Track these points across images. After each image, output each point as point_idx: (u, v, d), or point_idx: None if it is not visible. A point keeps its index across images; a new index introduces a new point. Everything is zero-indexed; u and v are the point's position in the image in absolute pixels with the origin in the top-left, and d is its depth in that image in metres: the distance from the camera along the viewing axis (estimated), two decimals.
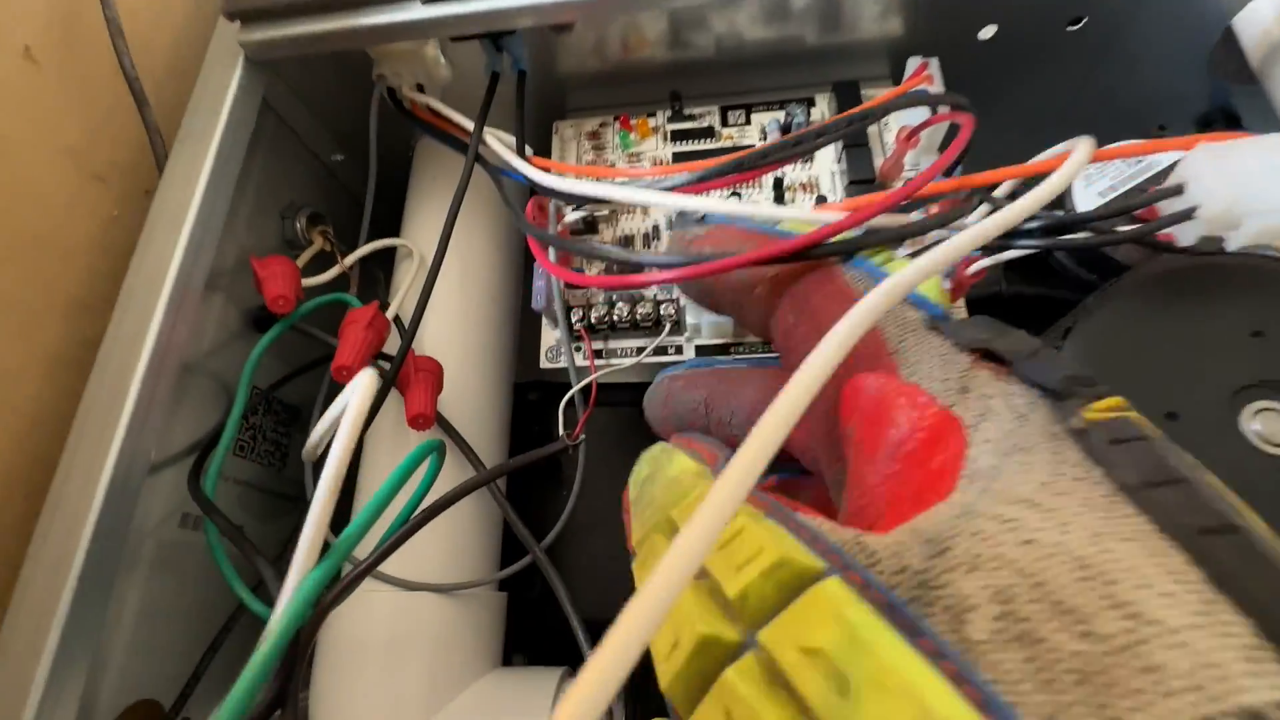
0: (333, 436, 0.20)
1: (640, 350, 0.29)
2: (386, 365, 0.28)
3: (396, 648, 0.26)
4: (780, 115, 0.32)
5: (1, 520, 0.24)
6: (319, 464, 0.29)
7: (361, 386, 0.17)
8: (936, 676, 0.08)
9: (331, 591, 0.18)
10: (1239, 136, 0.18)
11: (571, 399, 0.27)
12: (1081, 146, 0.19)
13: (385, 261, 0.36)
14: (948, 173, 0.22)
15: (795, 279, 0.17)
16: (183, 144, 0.27)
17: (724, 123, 0.33)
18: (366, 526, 0.16)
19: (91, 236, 0.27)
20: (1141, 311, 0.17)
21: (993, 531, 0.09)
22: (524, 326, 0.38)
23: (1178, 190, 0.17)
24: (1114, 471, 0.10)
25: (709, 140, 0.32)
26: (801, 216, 0.20)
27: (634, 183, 0.24)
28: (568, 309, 0.29)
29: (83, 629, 0.21)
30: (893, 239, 0.18)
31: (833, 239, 0.18)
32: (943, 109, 0.26)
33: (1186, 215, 0.17)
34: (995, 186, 0.22)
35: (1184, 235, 0.18)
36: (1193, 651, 0.08)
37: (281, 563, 0.28)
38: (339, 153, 0.38)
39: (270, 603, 0.23)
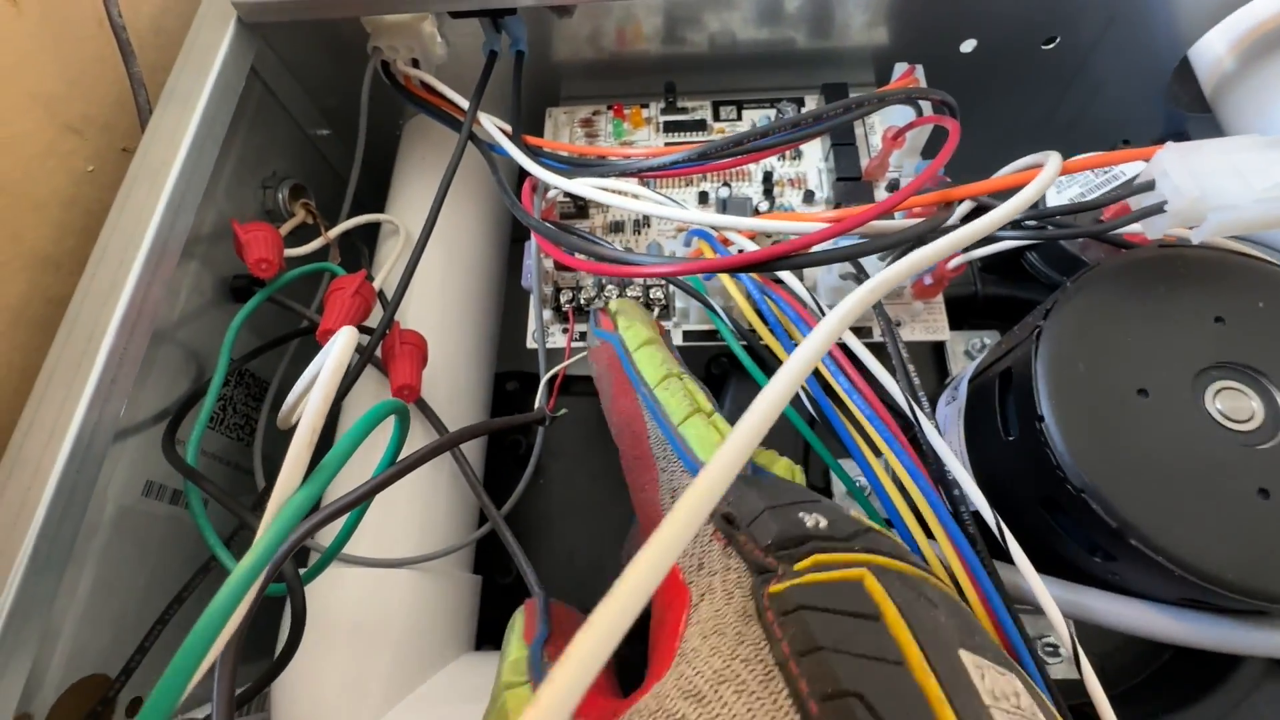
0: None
1: None
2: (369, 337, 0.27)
3: (364, 627, 0.25)
4: (771, 113, 0.33)
5: None
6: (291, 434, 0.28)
7: (341, 339, 0.16)
8: None
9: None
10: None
11: (550, 373, 0.26)
12: (1052, 161, 0.20)
13: (369, 239, 0.35)
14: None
15: (631, 456, 0.20)
16: (168, 101, 0.26)
17: (716, 117, 0.33)
18: (336, 468, 0.15)
19: (63, 190, 0.26)
20: (1115, 296, 0.18)
21: None
22: (505, 316, 0.38)
23: (1149, 186, 0.18)
24: (773, 648, 0.12)
25: (701, 133, 0.33)
26: (783, 228, 0.21)
27: (627, 164, 0.24)
28: (556, 289, 0.29)
29: (35, 600, 0.20)
30: (877, 249, 0.19)
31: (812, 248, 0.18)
32: (929, 112, 0.27)
33: (1156, 209, 0.18)
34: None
35: (1152, 229, 0.19)
36: None
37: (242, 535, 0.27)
38: (324, 128, 0.37)
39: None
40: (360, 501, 0.17)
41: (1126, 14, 0.31)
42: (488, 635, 0.31)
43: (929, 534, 0.16)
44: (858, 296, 0.13)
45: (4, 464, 0.20)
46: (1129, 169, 0.29)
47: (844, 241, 0.19)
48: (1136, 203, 0.19)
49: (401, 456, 0.19)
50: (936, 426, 0.17)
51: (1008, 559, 0.17)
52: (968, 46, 0.33)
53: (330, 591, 0.25)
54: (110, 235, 0.23)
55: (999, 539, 0.16)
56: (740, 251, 0.22)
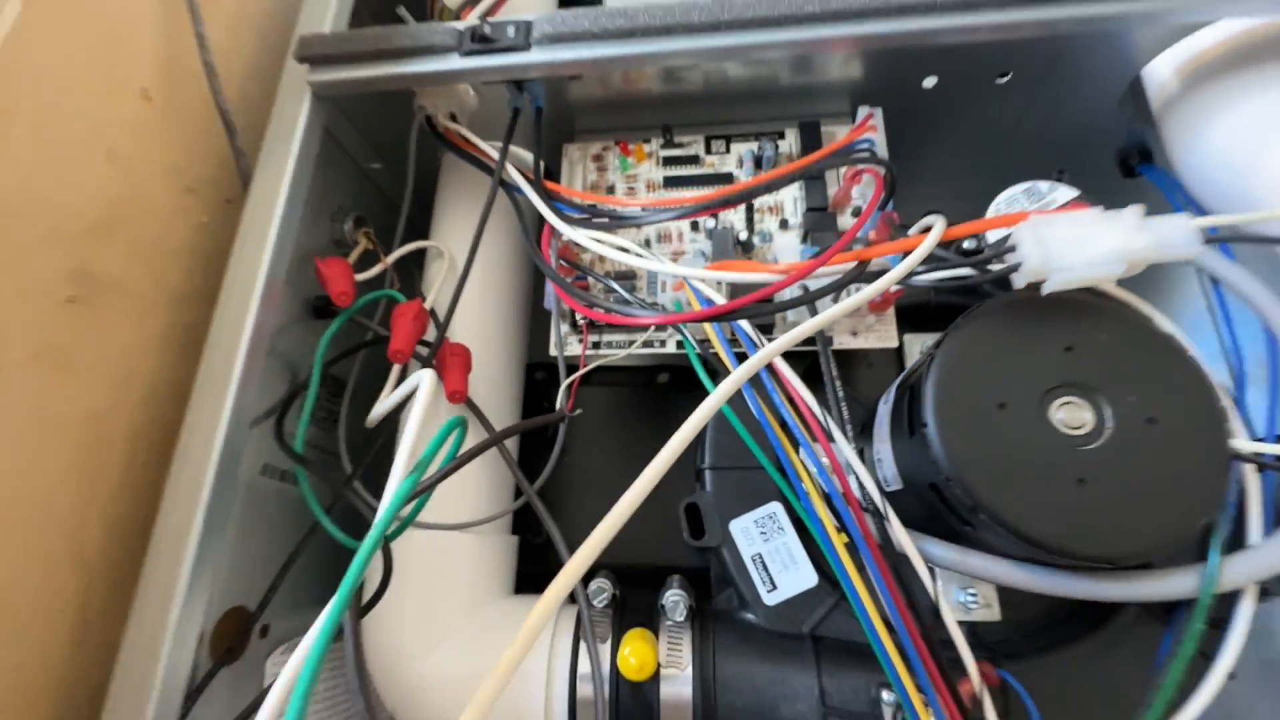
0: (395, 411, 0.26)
1: (630, 344, 0.35)
2: (425, 350, 0.34)
3: (432, 574, 0.33)
4: (754, 146, 0.38)
5: (131, 466, 0.30)
6: (373, 431, 0.35)
7: (427, 385, 0.23)
8: None
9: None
10: (1073, 209, 0.25)
11: (567, 381, 0.33)
12: (936, 227, 0.25)
13: (417, 256, 0.42)
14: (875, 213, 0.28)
15: None
16: (264, 167, 0.33)
17: (708, 151, 0.39)
18: (427, 464, 0.22)
19: (187, 239, 0.34)
20: (991, 329, 0.24)
21: None
22: (534, 316, 0.44)
23: (1012, 248, 0.24)
24: None
25: (694, 166, 0.38)
26: (743, 279, 0.26)
27: (640, 215, 0.30)
28: (572, 313, 0.35)
29: (208, 552, 0.28)
30: (806, 300, 0.25)
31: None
32: (868, 155, 0.32)
33: (1014, 268, 0.23)
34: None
35: (1016, 281, 0.24)
36: None
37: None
38: (376, 161, 0.44)
39: (345, 530, 0.30)
40: (440, 481, 0.25)
41: (1070, 54, 0.35)
42: (523, 583, 0.39)
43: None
44: (763, 352, 0.19)
45: (178, 455, 0.28)
46: (1059, 197, 0.34)
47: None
48: (1015, 258, 0.24)
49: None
50: (846, 434, 0.23)
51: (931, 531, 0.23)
52: (929, 82, 0.37)
53: (409, 547, 0.33)
54: (233, 280, 0.31)
55: (883, 515, 0.23)
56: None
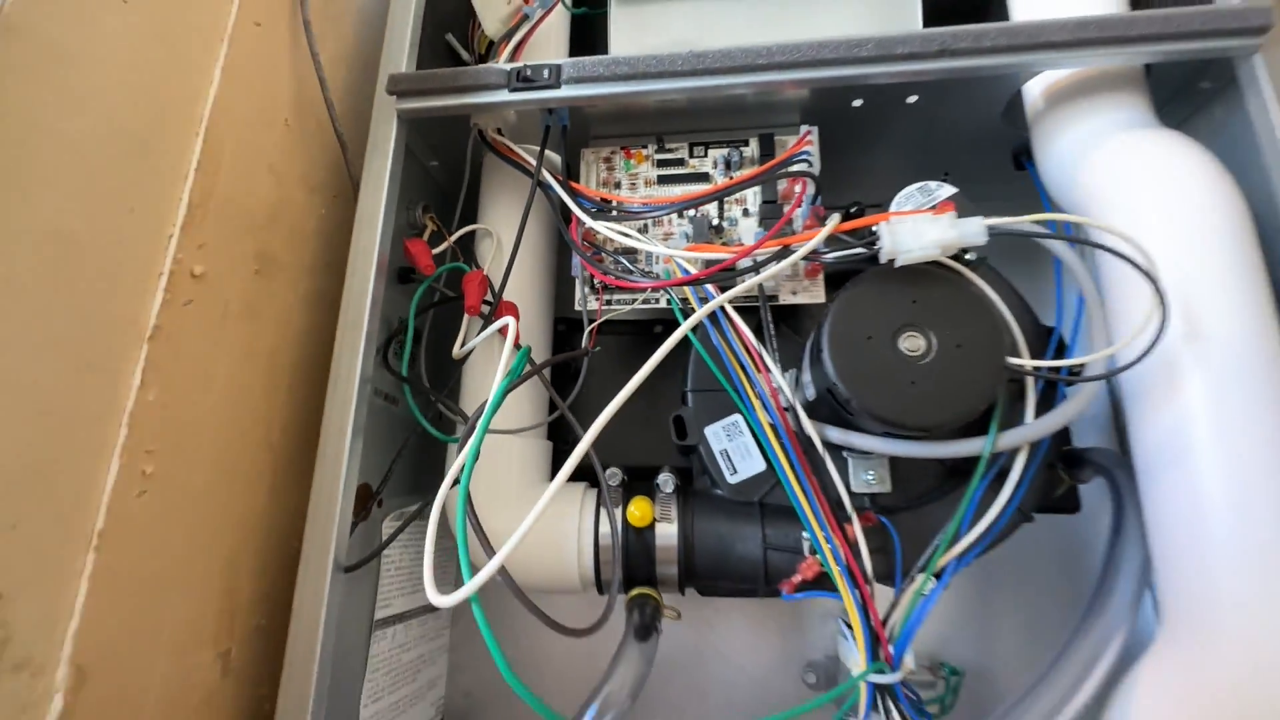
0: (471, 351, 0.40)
1: (633, 302, 0.49)
2: (487, 307, 0.47)
3: (494, 461, 0.47)
4: (725, 152, 0.51)
5: (293, 386, 0.44)
6: (459, 360, 0.48)
7: (514, 325, 0.36)
8: None
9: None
10: (944, 207, 0.38)
11: (590, 327, 0.47)
12: (829, 224, 0.38)
13: (466, 234, 0.55)
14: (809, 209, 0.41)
15: None
16: (368, 174, 0.45)
17: (690, 155, 0.51)
18: (511, 377, 0.36)
19: (313, 226, 0.46)
20: (868, 289, 0.37)
21: None
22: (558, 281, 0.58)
23: (877, 237, 0.37)
24: None
25: (681, 167, 0.51)
26: (709, 258, 0.39)
27: (638, 210, 0.43)
28: (592, 277, 0.48)
29: (355, 448, 0.41)
30: (742, 272, 0.38)
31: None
32: (802, 164, 0.44)
33: (878, 250, 0.36)
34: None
35: (880, 258, 0.37)
36: None
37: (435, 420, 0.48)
38: (434, 159, 0.56)
39: (441, 430, 0.43)
40: (522, 382, 0.38)
41: (956, 84, 0.47)
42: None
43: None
44: (716, 300, 0.32)
45: (332, 377, 0.41)
46: (942, 192, 0.47)
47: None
48: (879, 244, 0.37)
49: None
50: (776, 363, 0.37)
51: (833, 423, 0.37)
52: (857, 103, 0.50)
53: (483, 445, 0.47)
54: (354, 257, 0.44)
55: (802, 415, 0.37)
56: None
